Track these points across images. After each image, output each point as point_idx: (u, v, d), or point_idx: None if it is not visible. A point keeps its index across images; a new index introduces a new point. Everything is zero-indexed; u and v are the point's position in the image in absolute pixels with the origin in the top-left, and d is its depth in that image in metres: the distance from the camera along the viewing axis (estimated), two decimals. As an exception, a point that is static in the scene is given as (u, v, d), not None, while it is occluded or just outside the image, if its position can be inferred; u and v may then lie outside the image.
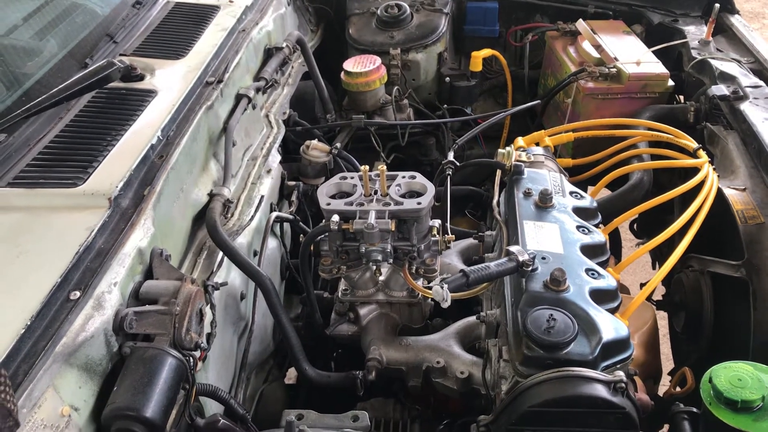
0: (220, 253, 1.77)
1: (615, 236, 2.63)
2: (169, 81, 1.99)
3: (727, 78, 2.41)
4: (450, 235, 1.84)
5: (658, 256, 2.66)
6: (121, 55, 2.10)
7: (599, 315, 1.51)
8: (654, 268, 2.81)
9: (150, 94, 1.91)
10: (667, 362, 2.11)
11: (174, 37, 2.25)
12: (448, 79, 3.04)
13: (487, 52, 3.01)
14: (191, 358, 1.41)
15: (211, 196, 1.84)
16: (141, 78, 1.99)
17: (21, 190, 1.54)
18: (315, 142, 2.51)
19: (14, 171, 1.60)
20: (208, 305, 1.55)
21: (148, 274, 1.50)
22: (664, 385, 1.97)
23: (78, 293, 1.32)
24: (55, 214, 1.49)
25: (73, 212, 1.49)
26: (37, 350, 1.20)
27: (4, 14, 1.98)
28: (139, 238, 1.49)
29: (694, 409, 1.52)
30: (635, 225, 2.82)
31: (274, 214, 2.10)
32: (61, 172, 1.59)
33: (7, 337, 1.19)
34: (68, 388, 1.22)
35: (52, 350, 1.21)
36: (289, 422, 1.10)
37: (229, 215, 1.91)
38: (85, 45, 2.10)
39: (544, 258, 1.65)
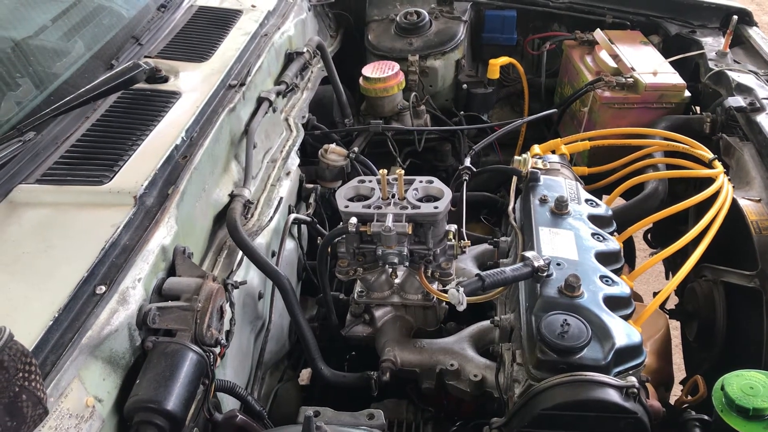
0: (240, 253, 1.80)
1: (629, 245, 2.64)
2: (193, 83, 2.03)
3: (744, 89, 2.42)
4: (466, 241, 1.87)
5: (672, 265, 2.67)
6: (146, 57, 2.13)
7: (613, 321, 1.53)
8: (667, 277, 2.82)
9: (174, 95, 1.95)
10: (678, 371, 2.12)
11: (197, 40, 2.29)
12: (465, 86, 3.07)
13: (504, 59, 3.03)
14: (211, 354, 1.44)
15: (232, 196, 1.87)
16: (165, 80, 2.02)
17: (49, 187, 1.58)
18: (333, 146, 2.54)
19: (42, 168, 1.64)
20: (228, 303, 1.58)
21: (171, 271, 1.54)
22: (674, 395, 1.98)
23: (103, 288, 1.35)
24: (82, 210, 1.53)
25: (99, 209, 1.53)
26: (64, 342, 1.23)
27: (33, 15, 2.02)
28: (163, 235, 1.52)
29: (706, 417, 1.53)
30: (649, 234, 2.83)
31: (293, 215, 2.13)
32: (87, 170, 1.63)
33: (36, 328, 1.23)
34: (93, 379, 1.25)
35: (78, 342, 1.24)
36: (307, 417, 1.12)
37: (249, 216, 1.93)
38: (111, 47, 2.14)
39: (558, 264, 1.67)
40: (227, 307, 1.56)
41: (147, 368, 1.33)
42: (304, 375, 2.50)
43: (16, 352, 1.01)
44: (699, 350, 2.19)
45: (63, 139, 1.75)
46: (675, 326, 2.31)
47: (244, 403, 1.63)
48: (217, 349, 1.48)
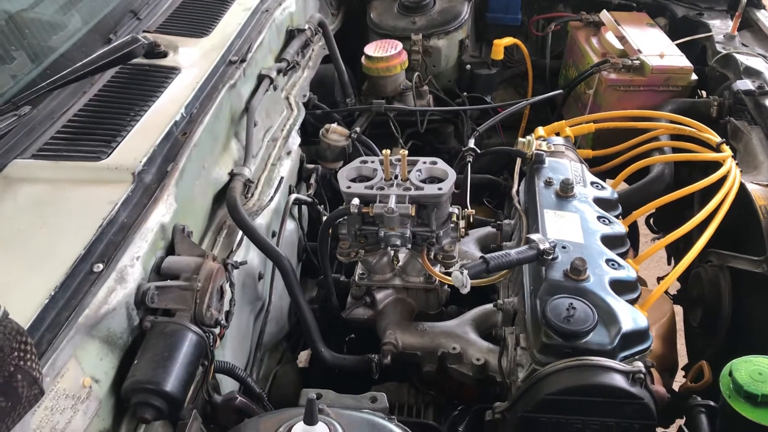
0: (240, 233, 1.77)
1: (633, 229, 2.61)
2: (192, 59, 1.99)
3: (753, 73, 2.39)
4: (470, 210, 1.83)
5: (674, 251, 2.65)
6: (144, 31, 2.09)
7: (619, 305, 1.51)
8: (669, 262, 2.80)
9: (173, 71, 1.91)
10: (680, 357, 2.11)
11: (197, 15, 2.24)
12: (468, 66, 3.04)
13: (508, 40, 2.99)
14: (211, 334, 1.42)
15: (232, 175, 1.84)
16: (164, 55, 1.98)
17: (45, 162, 1.54)
18: (334, 125, 2.50)
19: (38, 143, 1.60)
20: (228, 283, 1.55)
21: (170, 250, 1.51)
22: (677, 381, 1.97)
23: (101, 266, 1.32)
24: (79, 187, 1.49)
25: (96, 186, 1.49)
26: (61, 321, 1.20)
27: (29, -13, 1.98)
28: (162, 213, 1.49)
29: (712, 403, 1.51)
30: (651, 219, 2.81)
31: (293, 196, 2.10)
32: (84, 146, 1.59)
33: (32, 306, 1.19)
34: (90, 359, 1.23)
35: (75, 321, 1.21)
36: (310, 400, 1.10)
37: (249, 195, 1.90)
38: (108, 20, 2.09)
39: (564, 247, 1.65)
40: (227, 287, 1.53)
41: (145, 348, 1.30)
42: (302, 356, 2.48)
43: (11, 330, 0.98)
44: (703, 336, 2.17)
45: (59, 113, 1.71)
46: (677, 311, 2.29)
47: (244, 385, 1.61)
48: (217, 330, 1.46)
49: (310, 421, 1.11)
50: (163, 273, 1.44)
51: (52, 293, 1.23)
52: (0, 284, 1.25)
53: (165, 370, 1.26)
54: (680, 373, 2.07)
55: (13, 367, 0.97)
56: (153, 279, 1.42)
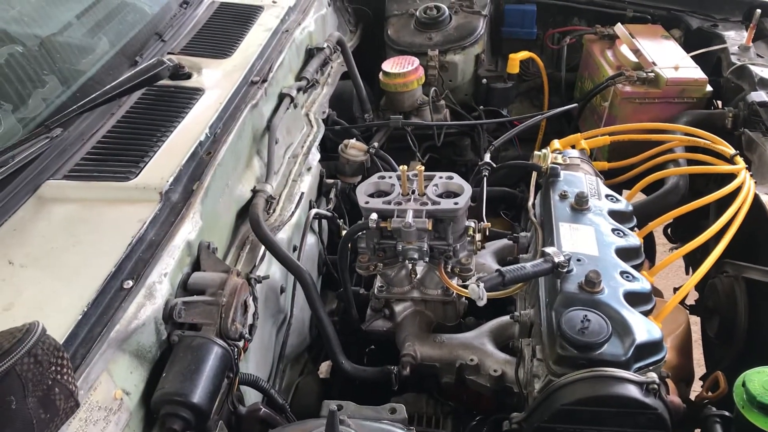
0: (262, 248, 1.82)
1: (649, 240, 2.63)
2: (216, 80, 2.05)
3: (767, 84, 2.40)
4: (486, 223, 1.87)
5: (692, 261, 2.66)
6: (169, 53, 2.16)
7: (633, 317, 1.53)
8: (687, 272, 2.81)
9: (197, 92, 1.97)
10: (698, 367, 2.12)
11: (220, 36, 2.31)
12: (485, 80, 3.07)
13: (524, 54, 3.03)
14: (235, 347, 1.46)
15: (255, 192, 1.89)
16: (188, 76, 2.05)
17: (76, 183, 1.61)
18: (353, 141, 2.55)
19: (69, 164, 1.67)
20: (252, 297, 1.60)
21: (196, 266, 1.56)
22: (695, 390, 1.98)
23: (131, 282, 1.38)
24: (109, 206, 1.56)
25: (125, 205, 1.56)
26: (93, 336, 1.26)
27: (58, 12, 2.04)
28: (188, 231, 1.55)
29: (727, 413, 1.53)
30: (669, 229, 2.82)
31: (314, 210, 2.14)
32: (113, 166, 1.66)
33: (66, 322, 1.25)
34: (121, 372, 1.28)
35: (107, 336, 1.27)
36: (332, 411, 1.14)
37: (271, 211, 1.95)
38: (135, 43, 2.17)
39: (579, 260, 1.67)
40: (251, 301, 1.58)
41: (173, 362, 1.35)
42: (323, 368, 2.52)
43: (49, 346, 1.03)
44: (719, 346, 2.18)
45: (89, 135, 1.78)
46: (694, 321, 2.31)
47: (267, 397, 1.66)
48: (241, 343, 1.50)
49: (332, 431, 1.16)
50: (189, 289, 1.50)
51: (85, 309, 1.29)
52: (36, 300, 1.31)
53: (192, 382, 1.31)
54: (699, 383, 2.08)
55: (51, 381, 1.03)
56: (180, 294, 1.48)
